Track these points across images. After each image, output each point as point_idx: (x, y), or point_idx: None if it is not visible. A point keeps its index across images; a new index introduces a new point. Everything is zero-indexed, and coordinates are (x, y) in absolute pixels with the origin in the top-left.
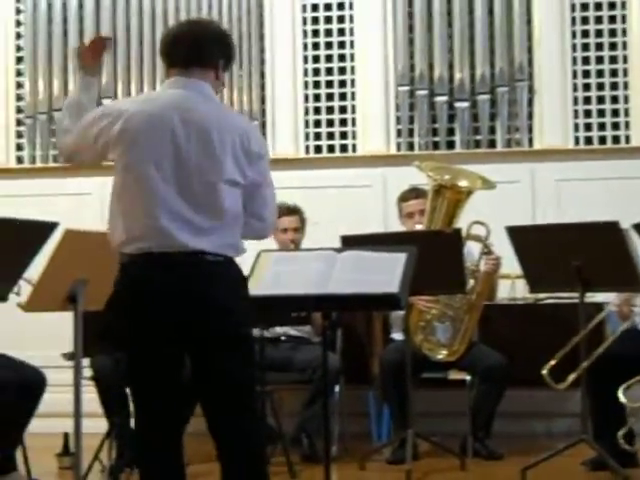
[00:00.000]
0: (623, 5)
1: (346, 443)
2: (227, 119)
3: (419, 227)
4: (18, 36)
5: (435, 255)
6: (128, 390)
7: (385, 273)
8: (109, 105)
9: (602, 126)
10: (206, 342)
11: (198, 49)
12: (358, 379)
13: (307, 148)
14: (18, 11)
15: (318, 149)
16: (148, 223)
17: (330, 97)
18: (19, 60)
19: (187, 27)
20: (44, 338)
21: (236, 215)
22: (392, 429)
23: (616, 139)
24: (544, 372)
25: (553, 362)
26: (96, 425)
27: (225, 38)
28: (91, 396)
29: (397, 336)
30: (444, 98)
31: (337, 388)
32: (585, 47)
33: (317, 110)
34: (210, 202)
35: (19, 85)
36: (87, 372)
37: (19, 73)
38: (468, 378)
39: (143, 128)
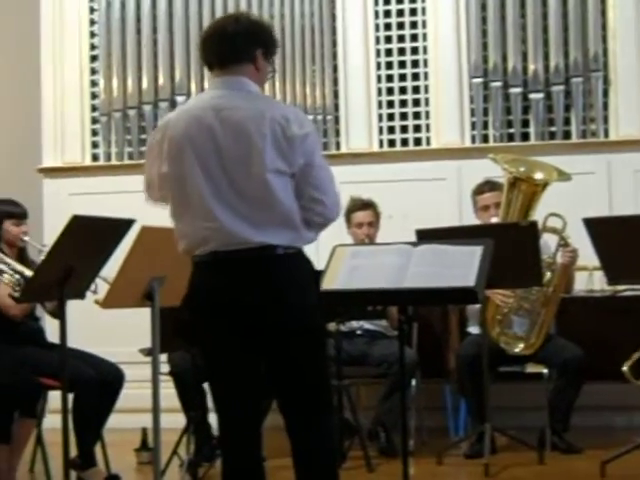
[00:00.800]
0: None
1: (423, 437)
2: (264, 109)
3: (494, 220)
4: (92, 35)
5: (511, 248)
6: (205, 385)
7: (461, 267)
8: (163, 120)
9: None
10: (279, 338)
11: (228, 46)
12: (434, 373)
13: (381, 142)
14: (92, 10)
15: (392, 143)
16: (206, 225)
17: (403, 90)
18: (93, 58)
19: (213, 28)
20: (122, 335)
21: (290, 205)
22: (469, 423)
23: None
24: (624, 369)
25: (635, 358)
26: (174, 420)
27: (256, 27)
28: (169, 391)
29: (473, 330)
30: (518, 90)
31: (413, 382)
32: None
33: (390, 104)
34: (261, 195)
35: (94, 83)
36: (165, 367)
37: (93, 71)
38: (545, 371)
39: (184, 134)
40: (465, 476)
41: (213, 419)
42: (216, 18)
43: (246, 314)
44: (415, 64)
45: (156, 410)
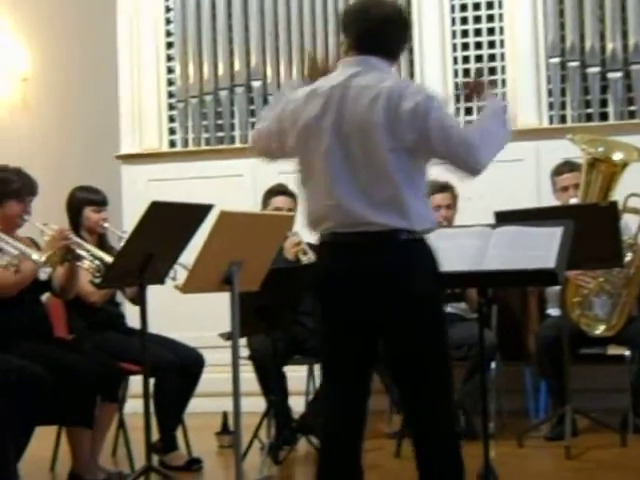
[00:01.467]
0: None
1: (503, 420)
2: (384, 86)
3: (574, 201)
4: (168, 22)
5: (591, 229)
6: (285, 368)
7: (541, 248)
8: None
9: None
10: (398, 324)
11: (372, 31)
12: (514, 355)
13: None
14: None
15: (469, 124)
16: (327, 203)
17: (479, 72)
18: (169, 45)
19: (362, 7)
20: (201, 319)
21: (412, 183)
22: (550, 405)
23: None
24: None
25: None
26: (254, 404)
27: (400, 17)
28: (249, 375)
29: (553, 312)
30: (596, 69)
31: (493, 365)
32: None
33: None
34: (379, 173)
35: (170, 70)
36: (244, 352)
37: (169, 58)
38: (627, 353)
39: (313, 110)
40: (546, 458)
41: (293, 402)
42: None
43: (363, 298)
44: (491, 45)
45: (236, 394)
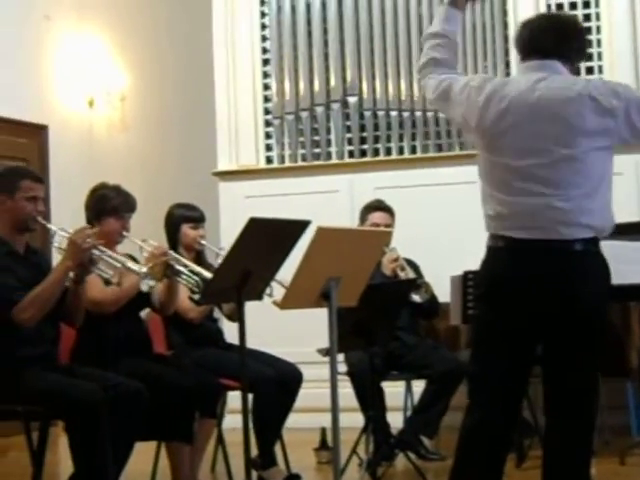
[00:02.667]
0: None
1: (605, 436)
2: (579, 89)
3: None
4: (264, 39)
5: None
6: (383, 384)
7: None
8: (477, 82)
9: None
10: (565, 338)
11: (563, 42)
12: (615, 371)
13: None
14: (263, 14)
15: None
16: (510, 206)
17: (577, 73)
18: (265, 62)
19: (554, 21)
20: (299, 335)
21: (605, 183)
22: None
23: None
24: None
25: None
26: (352, 419)
27: (581, 32)
28: (347, 391)
29: None
30: None
31: None
32: None
33: None
34: (574, 178)
35: (266, 87)
36: (342, 367)
37: (266, 75)
38: None
39: (501, 113)
40: None
41: (391, 418)
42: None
43: (531, 306)
44: (589, 57)
45: (335, 409)
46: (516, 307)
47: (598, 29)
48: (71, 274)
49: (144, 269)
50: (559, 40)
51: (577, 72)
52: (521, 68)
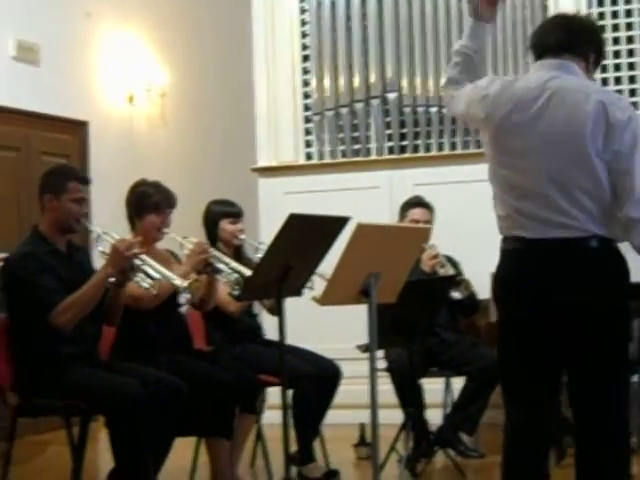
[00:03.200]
0: None
1: None
2: (591, 92)
3: None
4: (303, 35)
5: None
6: (422, 381)
7: None
8: (485, 81)
9: None
10: (578, 336)
11: (570, 36)
12: None
13: None
14: (303, 10)
15: None
16: (516, 207)
17: (618, 81)
18: (305, 58)
19: (560, 18)
20: (339, 331)
21: (605, 194)
22: None
23: None
24: None
25: None
26: (392, 416)
27: (597, 32)
28: (386, 387)
29: None
30: None
31: (635, 378)
32: None
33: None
34: (581, 182)
35: (306, 83)
36: (381, 364)
37: (305, 71)
38: None
39: (509, 110)
40: None
41: (430, 415)
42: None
43: (545, 307)
44: (631, 53)
45: (374, 406)
46: (532, 308)
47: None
48: (111, 279)
49: (185, 284)
50: (567, 35)
51: (596, 64)
52: (535, 67)
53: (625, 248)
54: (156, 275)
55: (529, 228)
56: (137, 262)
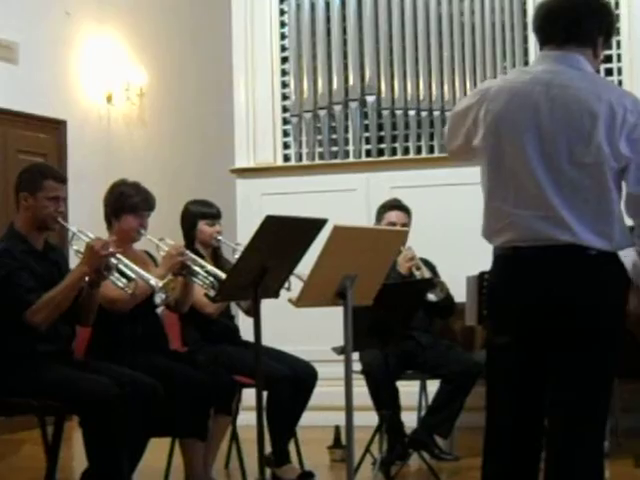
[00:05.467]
0: None
1: (619, 438)
2: (600, 91)
3: None
4: (282, 37)
5: None
6: (397, 383)
7: None
8: (485, 82)
9: None
10: (570, 343)
11: (576, 25)
12: (630, 373)
13: None
14: (282, 12)
15: None
16: (510, 212)
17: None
18: (284, 60)
19: (561, 2)
20: (315, 333)
21: (613, 199)
22: None
23: None
24: None
25: None
26: (366, 418)
27: (605, 10)
28: (361, 389)
29: None
30: None
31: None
32: None
33: None
34: (581, 187)
35: (284, 85)
36: (357, 366)
37: (284, 73)
38: None
39: (504, 109)
40: None
41: (406, 417)
42: None
43: (537, 317)
44: (609, 72)
45: (349, 408)
46: (525, 320)
47: (617, 31)
48: (86, 278)
49: (160, 284)
50: (573, 24)
51: (604, 46)
52: (538, 58)
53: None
54: (132, 275)
55: (524, 235)
56: (113, 261)
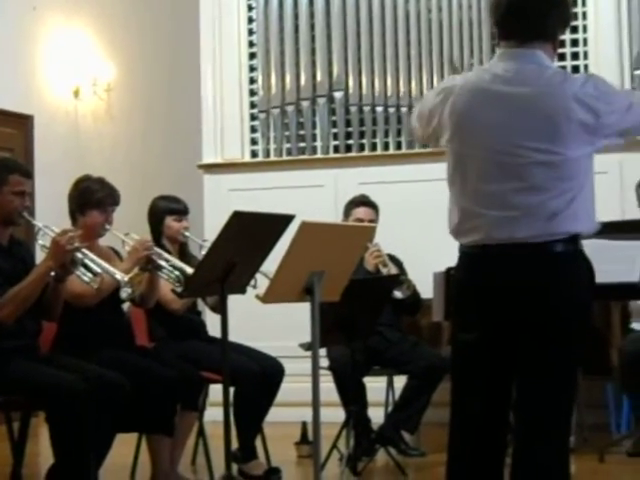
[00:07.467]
0: None
1: (584, 434)
2: (564, 87)
3: None
4: (250, 32)
5: None
6: (365, 379)
7: (625, 262)
8: (448, 80)
9: None
10: (535, 339)
11: (538, 23)
12: (596, 370)
13: None
14: (250, 8)
15: None
16: (479, 213)
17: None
18: (252, 56)
19: None
20: (282, 329)
21: (580, 189)
22: (632, 420)
23: None
24: None
25: None
26: (334, 414)
27: (568, 6)
28: (328, 385)
29: (637, 326)
30: None
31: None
32: None
33: None
34: (547, 184)
35: (252, 80)
36: (324, 362)
37: (252, 69)
38: None
39: (468, 107)
40: (628, 474)
41: (372, 413)
42: None
43: (507, 313)
44: (575, 56)
45: (316, 404)
46: (490, 316)
47: (584, 15)
48: (52, 273)
49: (126, 278)
50: (535, 22)
51: (560, 44)
52: (498, 55)
53: (590, 250)
54: (97, 269)
55: (492, 235)
56: (78, 256)
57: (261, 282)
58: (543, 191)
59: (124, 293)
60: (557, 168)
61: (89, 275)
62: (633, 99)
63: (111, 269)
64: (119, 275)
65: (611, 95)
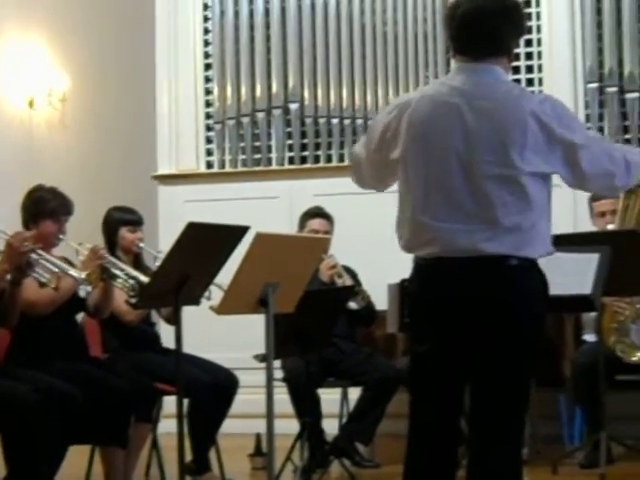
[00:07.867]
0: None
1: (537, 446)
2: (522, 102)
3: (611, 227)
4: (206, 43)
5: (628, 255)
6: (319, 391)
7: (577, 274)
8: (401, 97)
9: None
10: (486, 349)
11: (493, 39)
12: (548, 381)
13: None
14: (206, 19)
15: None
16: (435, 226)
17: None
18: (207, 67)
19: (475, 6)
20: (236, 341)
21: (539, 211)
22: (585, 432)
23: None
24: None
25: None
26: (288, 426)
27: (519, 15)
28: (283, 397)
29: (589, 338)
30: (635, 95)
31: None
32: None
33: None
34: (501, 199)
35: (208, 91)
36: (278, 373)
37: (208, 79)
38: None
39: (428, 117)
40: None
41: (327, 425)
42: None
43: (460, 324)
44: (529, 69)
45: (270, 416)
46: (446, 327)
47: (538, 28)
48: (7, 276)
49: (83, 275)
50: (488, 38)
51: (515, 57)
52: (454, 69)
53: (543, 262)
54: (54, 269)
55: (448, 248)
56: (34, 257)
57: (215, 294)
58: (500, 206)
59: (82, 291)
60: (513, 183)
61: (46, 276)
62: (613, 145)
63: (67, 267)
64: (75, 272)
65: (569, 118)
